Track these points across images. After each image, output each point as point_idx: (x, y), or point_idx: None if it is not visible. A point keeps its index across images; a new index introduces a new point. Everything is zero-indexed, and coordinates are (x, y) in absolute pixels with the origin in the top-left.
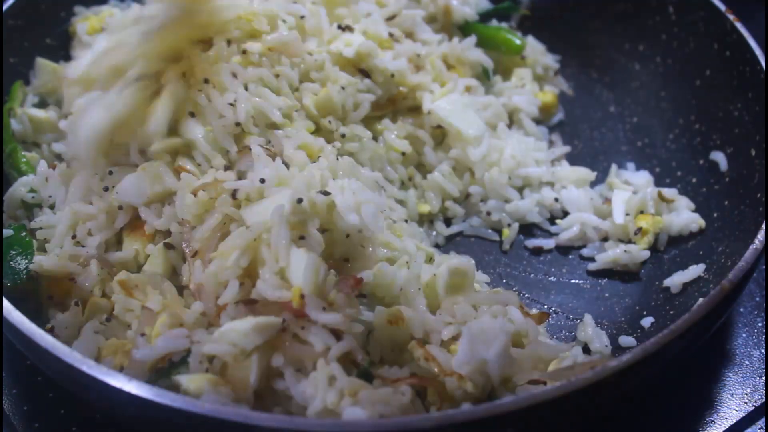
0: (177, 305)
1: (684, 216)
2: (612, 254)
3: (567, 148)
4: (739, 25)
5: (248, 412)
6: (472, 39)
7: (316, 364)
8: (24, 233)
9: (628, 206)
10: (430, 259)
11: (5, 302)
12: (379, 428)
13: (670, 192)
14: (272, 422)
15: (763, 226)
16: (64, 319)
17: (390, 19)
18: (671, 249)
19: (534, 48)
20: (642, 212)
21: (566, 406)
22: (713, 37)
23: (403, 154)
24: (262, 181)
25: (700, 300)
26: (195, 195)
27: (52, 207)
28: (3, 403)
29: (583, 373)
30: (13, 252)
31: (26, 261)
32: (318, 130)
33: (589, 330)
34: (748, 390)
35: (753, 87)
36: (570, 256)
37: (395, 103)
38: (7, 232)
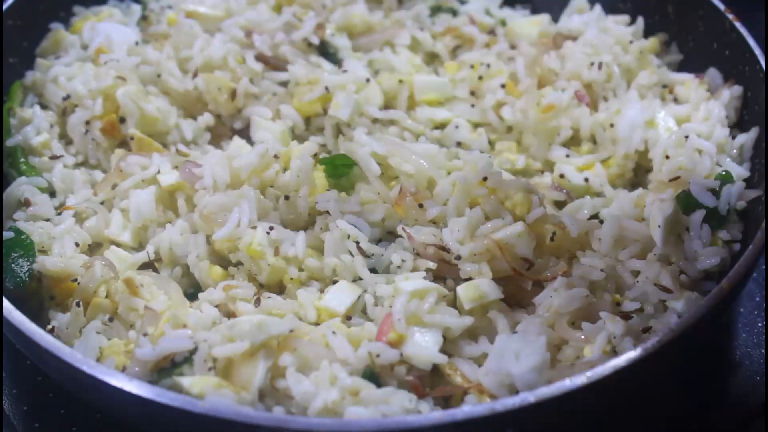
0: (181, 306)
1: None
2: None
3: None
4: (738, 25)
5: (248, 411)
6: None
7: (320, 364)
8: (24, 235)
9: None
10: None
11: (5, 302)
12: (380, 428)
13: None
14: (272, 422)
15: (763, 226)
16: (66, 320)
17: None
18: None
19: None
20: None
21: (566, 405)
22: (713, 37)
23: None
24: None
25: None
26: None
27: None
28: (3, 403)
29: (582, 373)
30: (15, 254)
31: (28, 263)
32: None
33: None
34: (749, 390)
35: (753, 86)
36: None
37: None
38: (7, 234)
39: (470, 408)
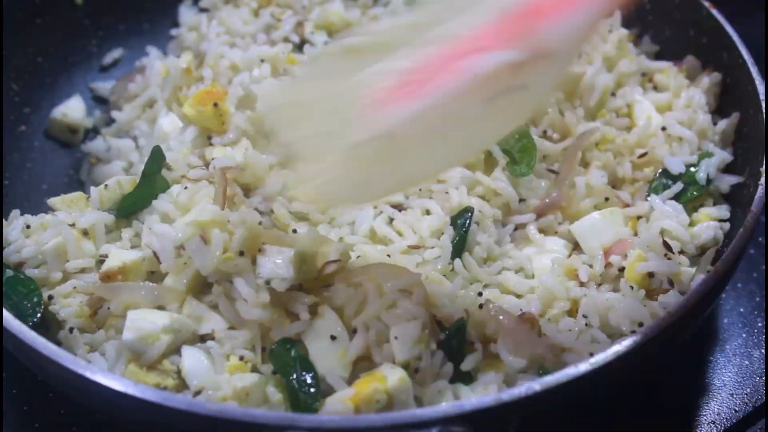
0: None
1: None
2: None
3: None
4: (714, 12)
5: (250, 410)
6: None
7: None
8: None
9: None
10: None
11: (5, 312)
12: (389, 422)
13: None
14: (274, 420)
15: (763, 218)
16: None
17: None
18: None
19: None
20: None
21: (571, 392)
22: (689, 24)
23: None
24: None
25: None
26: None
27: None
28: (3, 403)
29: (580, 362)
30: (20, 292)
31: (36, 302)
32: None
33: None
34: (748, 390)
35: (732, 72)
36: None
37: None
38: (7, 272)
39: (477, 399)
